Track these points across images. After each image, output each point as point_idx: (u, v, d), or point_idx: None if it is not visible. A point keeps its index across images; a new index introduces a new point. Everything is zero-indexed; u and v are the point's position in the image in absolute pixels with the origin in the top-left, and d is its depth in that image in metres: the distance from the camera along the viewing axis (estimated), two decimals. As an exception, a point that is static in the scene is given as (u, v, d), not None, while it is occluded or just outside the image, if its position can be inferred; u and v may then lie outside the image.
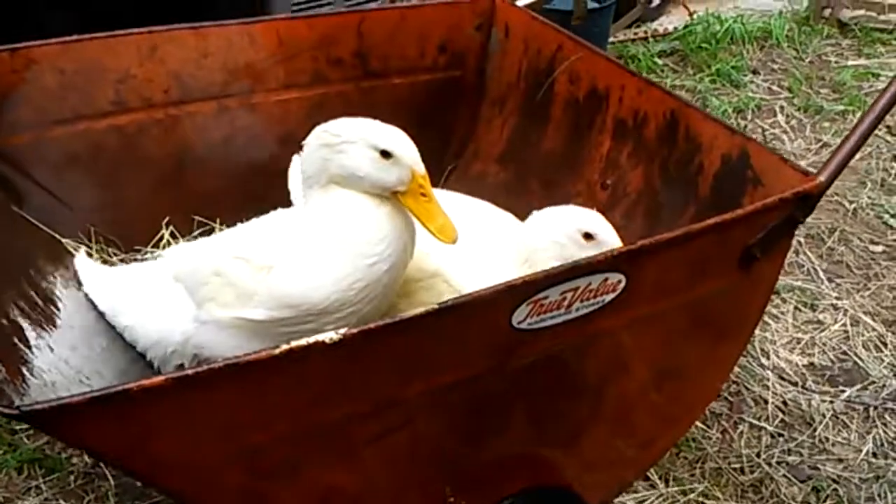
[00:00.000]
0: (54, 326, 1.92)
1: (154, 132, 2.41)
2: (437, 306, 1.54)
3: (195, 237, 2.48)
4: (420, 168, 1.89)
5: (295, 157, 2.39)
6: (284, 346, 1.42)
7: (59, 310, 2.00)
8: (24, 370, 1.59)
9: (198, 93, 2.44)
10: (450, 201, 2.36)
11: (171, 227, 2.47)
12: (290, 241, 1.90)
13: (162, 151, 2.44)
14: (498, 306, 1.64)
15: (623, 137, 2.49)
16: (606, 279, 1.75)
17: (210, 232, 2.49)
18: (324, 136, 1.92)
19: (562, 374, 1.91)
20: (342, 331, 1.46)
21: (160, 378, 1.34)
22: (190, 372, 1.36)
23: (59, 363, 1.75)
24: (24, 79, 2.19)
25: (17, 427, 2.73)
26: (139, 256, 2.38)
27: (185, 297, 1.99)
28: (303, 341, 1.43)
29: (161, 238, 2.48)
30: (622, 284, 1.78)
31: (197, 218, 2.50)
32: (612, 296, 1.79)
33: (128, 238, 2.40)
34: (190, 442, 1.45)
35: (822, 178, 1.99)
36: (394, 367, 1.59)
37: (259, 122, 2.56)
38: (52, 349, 1.78)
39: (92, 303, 2.13)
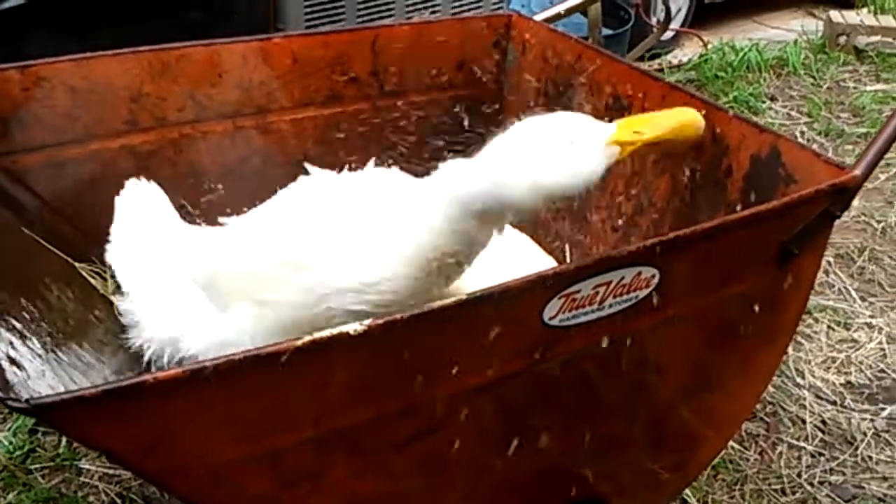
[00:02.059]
0: (67, 344, 1.85)
1: (168, 152, 2.36)
2: (465, 297, 1.47)
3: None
4: (611, 126, 1.70)
5: None
6: (307, 338, 1.35)
7: (73, 330, 1.94)
8: (35, 377, 1.53)
9: (212, 112, 2.40)
10: None
11: (186, 251, 2.41)
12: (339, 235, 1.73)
13: (177, 172, 2.38)
14: (529, 299, 1.57)
15: (647, 145, 2.42)
16: (640, 273, 1.68)
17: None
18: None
19: (593, 379, 1.83)
20: (366, 322, 1.39)
21: (177, 370, 1.27)
22: (208, 364, 1.29)
23: (75, 374, 1.69)
24: (35, 97, 2.15)
25: (32, 466, 2.67)
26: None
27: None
28: (325, 332, 1.36)
29: (176, 262, 2.42)
30: (655, 280, 1.71)
31: (213, 242, 2.44)
32: (645, 292, 1.71)
33: (143, 262, 2.34)
34: (209, 442, 1.37)
35: (857, 172, 1.91)
36: (422, 364, 1.52)
37: (274, 142, 2.51)
38: (63, 363, 1.72)
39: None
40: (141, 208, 2.17)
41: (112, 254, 2.12)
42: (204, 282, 1.91)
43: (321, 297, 1.69)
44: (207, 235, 2.07)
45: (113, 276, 2.21)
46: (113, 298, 2.20)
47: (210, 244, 1.96)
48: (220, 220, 2.00)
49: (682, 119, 1.74)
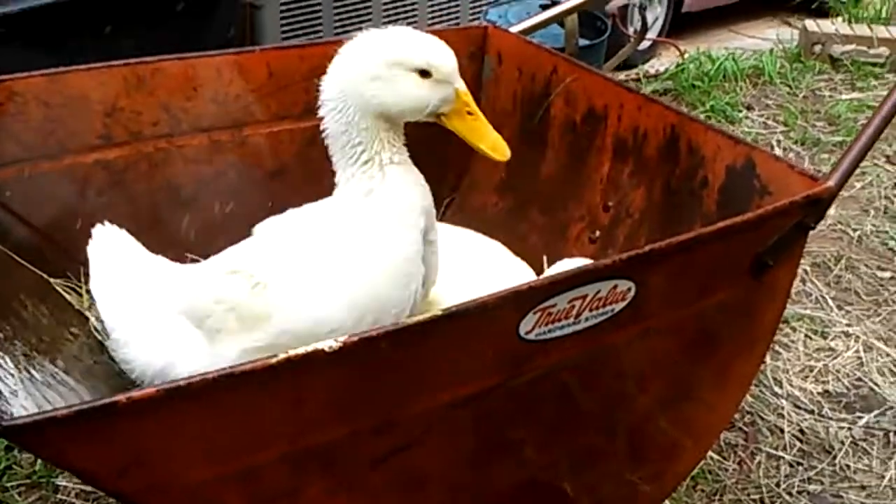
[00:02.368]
0: (41, 362, 1.83)
1: (143, 167, 2.35)
2: (440, 312, 1.46)
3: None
4: (462, 84, 1.76)
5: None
6: (282, 356, 1.34)
7: (47, 347, 1.91)
8: (7, 395, 1.51)
9: (187, 126, 2.39)
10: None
11: (162, 266, 2.40)
12: (307, 254, 1.76)
13: (152, 187, 2.37)
14: (504, 314, 1.56)
15: (623, 157, 2.43)
16: (616, 286, 1.68)
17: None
18: (347, 62, 1.74)
19: (571, 392, 1.83)
20: (342, 339, 1.38)
21: (150, 389, 1.26)
22: (182, 383, 1.28)
23: (49, 392, 1.67)
24: (7, 112, 2.13)
25: (8, 484, 2.64)
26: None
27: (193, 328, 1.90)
28: (300, 350, 1.36)
29: (153, 277, 2.40)
30: (631, 293, 1.71)
31: (190, 256, 2.43)
32: (621, 305, 1.71)
33: (118, 277, 2.32)
34: (184, 462, 1.36)
35: (831, 183, 1.93)
36: (398, 381, 1.51)
37: (250, 155, 2.50)
38: (36, 381, 1.70)
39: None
40: (115, 252, 2.14)
41: (97, 298, 2.09)
42: (189, 315, 1.89)
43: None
44: (188, 271, 2.06)
45: (89, 292, 2.19)
46: (88, 314, 2.18)
47: (191, 281, 1.94)
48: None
49: (490, 146, 1.85)
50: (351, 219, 1.76)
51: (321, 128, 1.82)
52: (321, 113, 1.82)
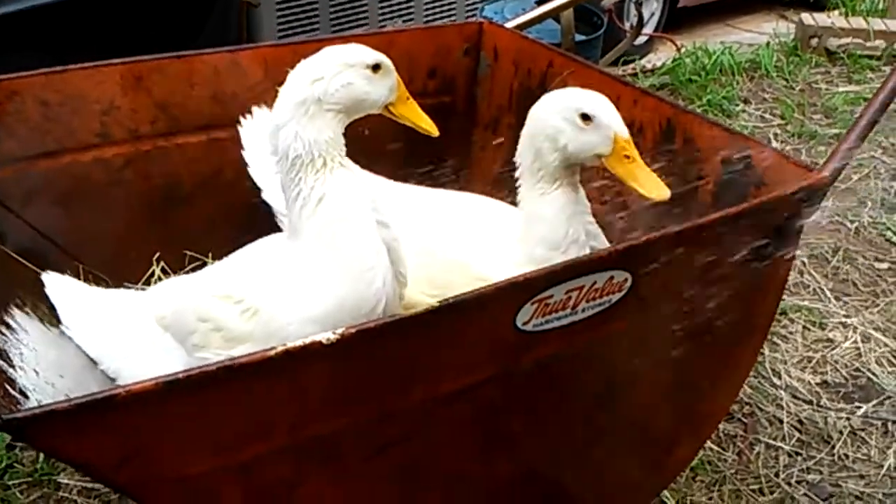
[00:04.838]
0: (41, 358, 1.84)
1: (141, 165, 2.36)
2: (437, 304, 1.48)
3: (187, 273, 2.41)
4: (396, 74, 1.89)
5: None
6: (280, 348, 1.35)
7: (46, 344, 1.93)
8: (7, 388, 1.52)
9: (185, 124, 2.40)
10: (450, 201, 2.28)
11: (161, 263, 2.41)
12: (276, 277, 1.77)
13: (150, 185, 2.38)
14: (501, 304, 1.57)
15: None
16: (612, 277, 1.69)
17: (202, 267, 2.41)
18: (310, 76, 1.80)
19: (569, 382, 1.84)
20: (339, 330, 1.39)
21: (150, 382, 1.27)
22: (181, 375, 1.29)
23: (46, 386, 1.68)
24: (6, 111, 2.15)
25: (10, 482, 2.65)
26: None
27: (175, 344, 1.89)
28: (298, 342, 1.37)
29: (152, 275, 2.41)
30: (628, 283, 1.72)
31: (189, 253, 2.44)
32: (618, 295, 1.73)
33: (117, 275, 2.33)
34: (183, 454, 1.37)
35: (825, 173, 1.94)
36: (395, 373, 1.52)
37: (248, 153, 2.50)
38: (37, 373, 1.71)
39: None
40: (74, 293, 2.12)
41: (74, 337, 2.03)
42: (172, 332, 1.88)
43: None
44: (163, 290, 2.05)
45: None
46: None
47: (174, 300, 1.92)
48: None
49: (429, 124, 1.98)
50: (308, 232, 1.76)
51: (276, 160, 1.79)
52: (281, 141, 1.77)
